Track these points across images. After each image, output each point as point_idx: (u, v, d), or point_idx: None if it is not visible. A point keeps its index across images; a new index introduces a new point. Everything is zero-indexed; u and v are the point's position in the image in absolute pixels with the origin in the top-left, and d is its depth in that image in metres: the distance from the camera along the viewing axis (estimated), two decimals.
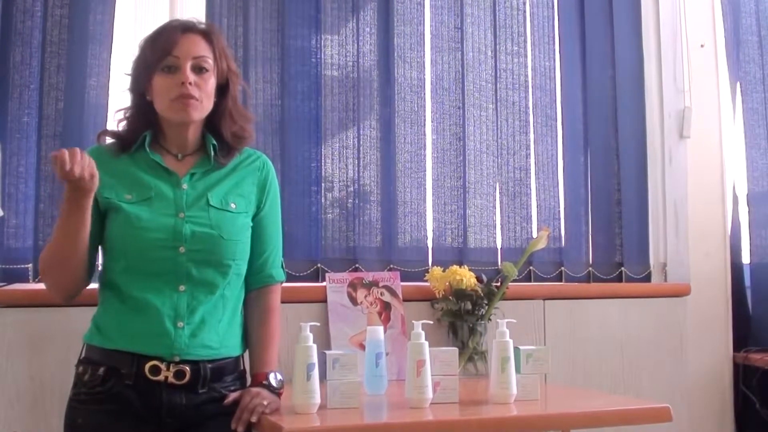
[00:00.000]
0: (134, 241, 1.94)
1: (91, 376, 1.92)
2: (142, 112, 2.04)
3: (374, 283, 2.78)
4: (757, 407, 3.28)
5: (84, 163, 1.78)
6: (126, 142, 2.04)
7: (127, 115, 2.06)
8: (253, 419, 1.88)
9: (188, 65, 1.98)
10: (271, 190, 2.14)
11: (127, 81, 2.07)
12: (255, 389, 1.96)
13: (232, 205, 2.03)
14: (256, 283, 2.12)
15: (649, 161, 3.39)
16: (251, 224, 2.08)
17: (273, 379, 2.00)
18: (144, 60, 2.01)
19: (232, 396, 1.95)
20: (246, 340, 2.09)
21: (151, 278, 1.93)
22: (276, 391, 1.98)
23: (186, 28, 2.03)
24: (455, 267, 2.80)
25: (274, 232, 2.15)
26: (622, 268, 3.29)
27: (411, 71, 3.04)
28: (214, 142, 2.06)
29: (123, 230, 1.95)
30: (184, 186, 2.01)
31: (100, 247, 2.02)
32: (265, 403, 1.91)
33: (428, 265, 2.96)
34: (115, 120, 2.09)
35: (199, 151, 2.07)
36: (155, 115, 2.03)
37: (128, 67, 2.07)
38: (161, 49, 1.98)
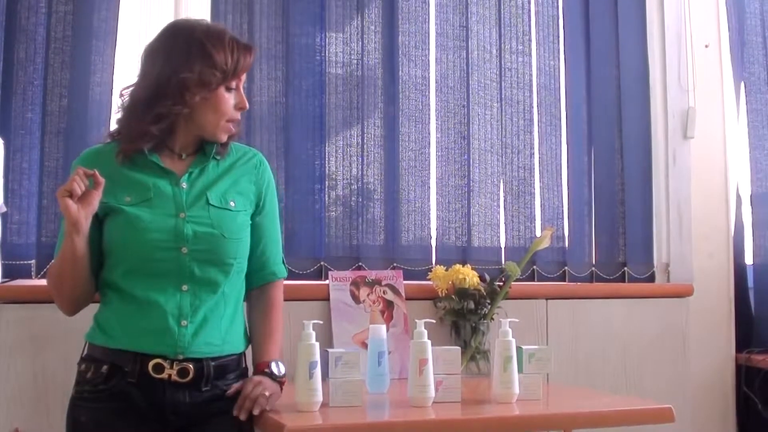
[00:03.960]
0: (136, 243, 1.93)
1: (94, 373, 1.92)
2: (175, 113, 1.95)
3: (377, 282, 2.78)
4: (759, 408, 3.28)
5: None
6: (140, 148, 1.97)
7: (160, 112, 1.94)
8: (255, 412, 1.89)
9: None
10: (269, 187, 2.14)
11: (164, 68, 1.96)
12: (257, 378, 1.96)
13: (232, 204, 2.03)
14: (258, 281, 2.12)
15: (653, 161, 3.39)
16: (250, 222, 2.08)
17: (275, 367, 2.00)
18: (213, 66, 1.95)
19: (235, 386, 1.95)
20: (249, 335, 2.09)
21: (154, 279, 1.93)
22: (278, 380, 1.99)
23: (250, 51, 2.04)
24: (458, 266, 2.80)
25: (273, 230, 2.15)
26: (626, 268, 3.29)
27: (415, 69, 3.04)
28: None
29: (124, 232, 1.94)
30: (184, 185, 2.00)
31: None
32: (267, 393, 1.91)
33: (431, 264, 2.96)
34: (123, 102, 2.01)
35: (197, 150, 2.07)
36: (178, 117, 1.98)
37: (176, 54, 1.96)
38: (237, 69, 1.99)
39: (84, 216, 1.85)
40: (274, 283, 2.15)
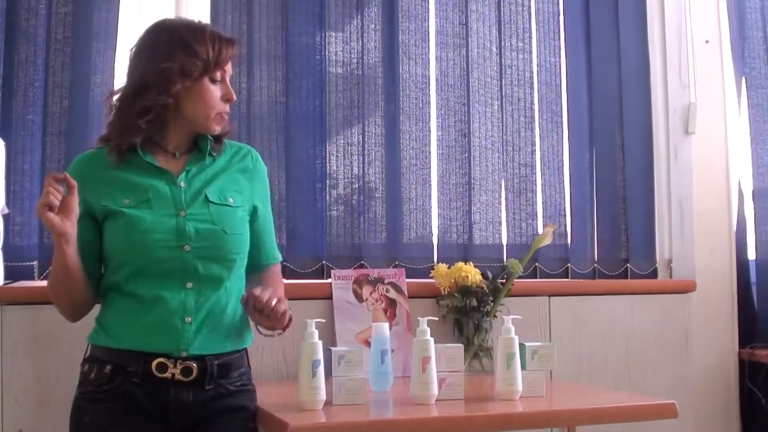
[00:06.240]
0: (139, 244, 1.92)
1: (97, 374, 1.92)
2: (161, 105, 1.95)
3: (379, 280, 2.78)
4: (762, 403, 3.28)
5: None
6: (130, 143, 1.97)
7: (145, 105, 1.94)
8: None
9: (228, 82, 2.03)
10: (264, 182, 2.16)
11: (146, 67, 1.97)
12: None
13: (231, 200, 2.03)
14: (257, 267, 2.14)
15: (654, 157, 3.39)
16: (249, 217, 2.08)
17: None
18: (193, 56, 1.95)
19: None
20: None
21: (159, 278, 1.93)
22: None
23: (232, 43, 2.04)
24: (460, 264, 2.80)
25: (269, 221, 2.18)
26: (628, 265, 3.29)
27: (416, 68, 3.04)
28: (210, 137, 2.05)
29: (126, 234, 1.93)
30: (182, 184, 2.00)
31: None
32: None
33: (433, 262, 2.95)
34: (111, 105, 2.01)
35: (192, 149, 2.07)
36: (166, 110, 1.98)
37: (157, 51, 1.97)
38: (218, 60, 1.98)
39: (70, 225, 1.84)
40: (273, 264, 2.19)
